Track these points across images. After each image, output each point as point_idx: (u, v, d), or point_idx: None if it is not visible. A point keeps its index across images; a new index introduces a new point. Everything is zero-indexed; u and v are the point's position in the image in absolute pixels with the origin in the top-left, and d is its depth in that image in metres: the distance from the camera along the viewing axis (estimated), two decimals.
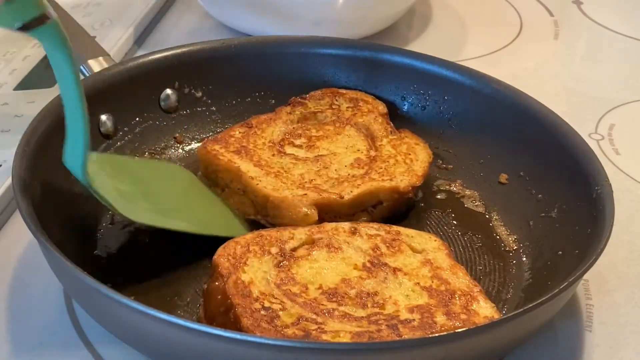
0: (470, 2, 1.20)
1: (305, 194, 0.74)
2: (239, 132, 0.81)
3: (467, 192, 0.81)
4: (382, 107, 0.85)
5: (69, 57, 0.64)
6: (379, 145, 0.81)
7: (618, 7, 1.22)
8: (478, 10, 1.19)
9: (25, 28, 0.62)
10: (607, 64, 1.09)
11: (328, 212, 0.74)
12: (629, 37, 1.14)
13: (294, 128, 0.83)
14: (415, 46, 1.08)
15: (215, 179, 0.78)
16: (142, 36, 1.06)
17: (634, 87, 1.03)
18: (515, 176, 0.80)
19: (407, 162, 0.79)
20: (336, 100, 0.85)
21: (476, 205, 0.80)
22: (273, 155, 0.79)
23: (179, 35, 1.08)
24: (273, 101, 0.87)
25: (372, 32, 1.07)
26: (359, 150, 0.80)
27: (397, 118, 0.86)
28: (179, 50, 0.85)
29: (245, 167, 0.77)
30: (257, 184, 0.75)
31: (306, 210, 0.73)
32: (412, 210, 0.79)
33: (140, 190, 0.74)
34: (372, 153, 0.80)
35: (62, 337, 0.66)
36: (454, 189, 0.82)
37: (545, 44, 1.13)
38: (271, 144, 0.80)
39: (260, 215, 0.76)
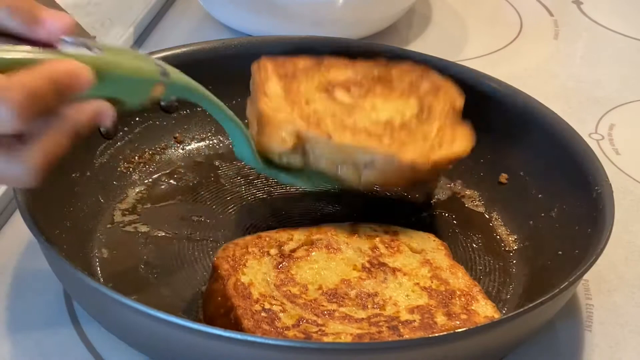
0: (470, 2, 1.20)
1: (294, 122, 0.71)
2: (303, 64, 0.79)
3: (467, 192, 0.81)
4: (459, 102, 0.78)
5: (206, 97, 0.68)
6: (428, 123, 0.74)
7: (618, 7, 1.22)
8: (478, 10, 1.19)
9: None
10: (607, 64, 1.09)
11: (310, 149, 0.71)
12: (629, 37, 1.14)
13: (360, 79, 0.79)
14: (415, 46, 1.08)
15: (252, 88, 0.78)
16: (142, 36, 1.06)
17: (634, 87, 1.03)
18: (515, 176, 0.80)
19: (428, 146, 0.72)
20: (418, 81, 0.79)
21: (476, 205, 0.80)
22: (315, 88, 0.77)
23: (179, 35, 1.08)
24: None
25: (372, 32, 1.07)
26: (403, 115, 0.75)
27: None
28: (179, 50, 0.85)
29: (271, 85, 0.76)
30: (262, 100, 0.74)
31: (285, 135, 0.71)
32: (411, 210, 0.79)
33: None
34: (411, 124, 0.74)
35: (62, 337, 0.67)
36: (454, 188, 0.82)
37: (545, 44, 1.13)
38: (324, 82, 0.78)
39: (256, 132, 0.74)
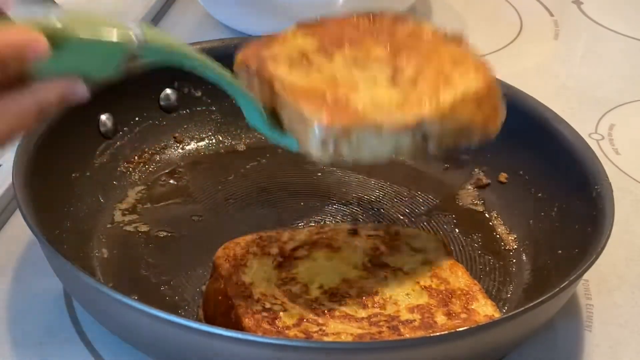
0: (470, 2, 1.20)
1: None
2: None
3: (467, 191, 0.81)
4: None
5: (201, 62, 0.60)
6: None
7: (618, 7, 1.22)
8: (478, 10, 1.19)
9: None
10: (607, 64, 1.09)
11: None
12: (629, 37, 1.14)
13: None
14: None
15: None
16: None
17: (634, 87, 1.03)
18: (515, 175, 0.80)
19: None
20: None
21: (476, 204, 0.80)
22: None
23: (179, 35, 1.07)
24: None
25: None
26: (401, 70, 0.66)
27: None
28: None
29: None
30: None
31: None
32: (411, 210, 0.79)
33: None
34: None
35: (62, 337, 0.66)
36: (454, 188, 0.82)
37: (545, 44, 1.13)
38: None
39: None
